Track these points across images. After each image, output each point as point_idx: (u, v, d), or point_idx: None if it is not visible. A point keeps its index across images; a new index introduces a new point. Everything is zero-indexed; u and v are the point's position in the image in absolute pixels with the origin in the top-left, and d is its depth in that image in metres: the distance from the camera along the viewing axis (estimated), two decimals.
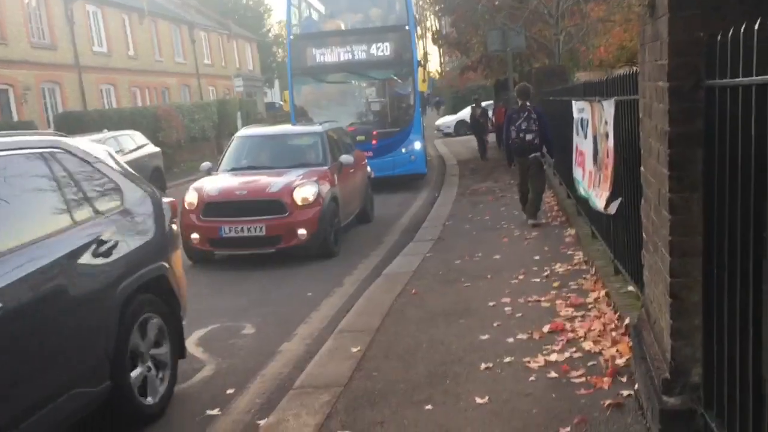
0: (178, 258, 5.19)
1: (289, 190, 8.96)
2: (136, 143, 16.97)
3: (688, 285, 2.88)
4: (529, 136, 9.38)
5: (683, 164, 2.83)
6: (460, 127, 33.20)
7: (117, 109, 26.93)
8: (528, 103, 9.60)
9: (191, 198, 9.19)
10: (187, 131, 27.13)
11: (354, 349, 5.07)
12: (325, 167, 9.85)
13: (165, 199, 5.27)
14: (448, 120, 35.24)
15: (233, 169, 10.15)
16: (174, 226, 5.23)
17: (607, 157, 5.65)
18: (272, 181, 9.23)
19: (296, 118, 15.31)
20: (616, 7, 19.99)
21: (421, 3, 50.70)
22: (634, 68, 4.34)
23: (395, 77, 16.24)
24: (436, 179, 17.28)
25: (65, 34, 25.93)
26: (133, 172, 5.23)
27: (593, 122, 6.53)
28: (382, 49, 15.66)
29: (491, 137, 21.87)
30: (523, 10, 18.58)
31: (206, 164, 10.40)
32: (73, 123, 20.98)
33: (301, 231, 8.80)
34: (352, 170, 10.80)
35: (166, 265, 4.79)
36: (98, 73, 28.03)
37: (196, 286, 8.29)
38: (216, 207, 9.02)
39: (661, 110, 2.95)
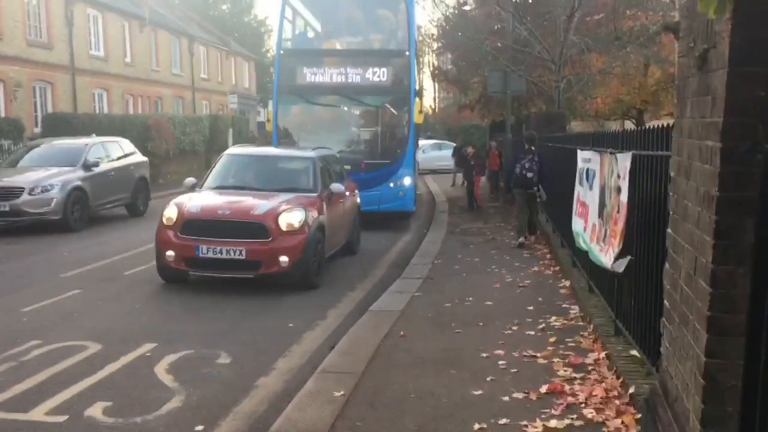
0: None
1: (275, 214, 8.53)
2: (123, 151, 16.57)
3: (726, 367, 2.59)
4: (530, 174, 11.38)
5: (730, 233, 2.57)
6: None
7: (108, 114, 26.49)
8: (533, 148, 11.59)
9: (170, 213, 8.72)
10: (177, 143, 26.75)
11: (337, 394, 4.72)
12: (314, 194, 9.44)
13: None
14: None
15: (219, 187, 9.69)
16: None
17: (618, 212, 5.40)
18: (257, 204, 8.80)
19: (278, 139, 14.37)
20: (617, 60, 20.08)
21: (420, 38, 51.10)
22: (666, 123, 4.11)
23: (390, 106, 15.09)
24: (426, 215, 17.04)
25: (63, 35, 25.58)
26: None
27: (601, 174, 6.30)
28: (379, 74, 14.48)
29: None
30: (526, 55, 18.59)
31: (191, 180, 9.98)
32: (61, 124, 20.52)
33: (284, 258, 8.35)
34: (342, 200, 10.46)
35: None
36: (92, 76, 27.65)
37: (170, 306, 7.96)
38: (196, 225, 8.52)
39: (708, 172, 2.69)
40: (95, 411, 4.83)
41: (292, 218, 8.55)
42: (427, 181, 26.32)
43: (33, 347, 6.24)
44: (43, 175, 13.69)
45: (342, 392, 4.75)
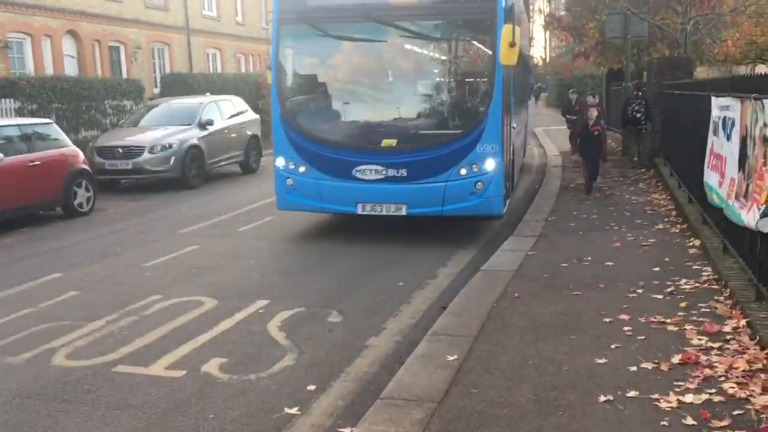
0: None
1: None
2: (236, 109, 16.91)
3: None
4: (638, 114, 14.51)
5: None
6: None
7: (221, 73, 27.21)
8: (640, 93, 14.91)
9: None
10: None
11: (450, 358, 4.54)
12: None
13: None
14: None
15: None
16: None
17: (764, 165, 4.83)
18: None
19: (281, 100, 8.90)
20: None
21: None
22: None
23: (461, 37, 9.22)
24: (537, 169, 16.43)
25: None
26: None
27: (742, 122, 5.68)
28: None
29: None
30: None
31: None
32: (178, 84, 21.25)
33: None
34: None
35: None
36: (206, 36, 28.40)
37: (282, 264, 8.06)
38: None
39: None
40: (211, 367, 4.90)
41: None
42: (538, 135, 25.40)
43: (154, 302, 6.45)
44: (162, 134, 14.19)
45: (455, 356, 4.56)
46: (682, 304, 5.46)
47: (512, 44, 7.88)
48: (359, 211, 8.53)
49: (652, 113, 14.44)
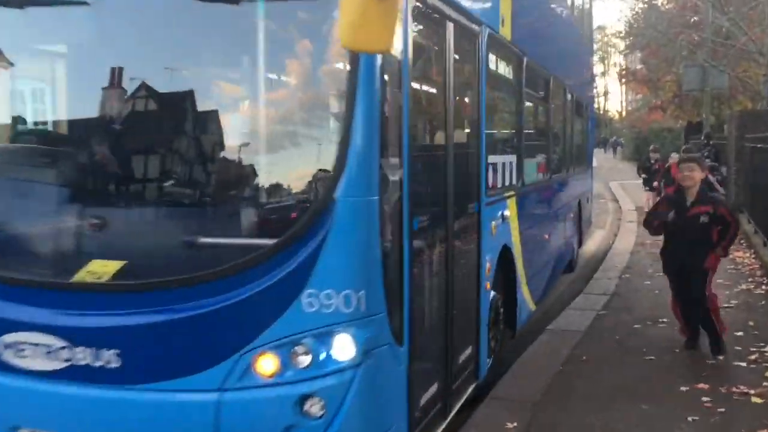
0: None
1: None
2: None
3: None
4: (708, 161, 13.32)
5: None
6: None
7: None
8: (710, 143, 15.53)
9: None
10: None
11: (510, 425, 4.27)
12: None
13: None
14: None
15: None
16: None
17: None
18: None
19: None
20: None
21: (605, 39, 48.66)
22: None
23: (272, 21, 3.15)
24: (612, 223, 15.91)
25: None
26: None
27: None
28: None
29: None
30: (728, 47, 16.82)
31: None
32: None
33: None
34: None
35: None
36: None
37: None
38: None
39: None
40: None
41: None
42: (613, 189, 24.76)
43: None
44: None
45: (515, 424, 4.29)
46: (767, 373, 5.03)
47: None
48: None
49: (723, 161, 15.02)
